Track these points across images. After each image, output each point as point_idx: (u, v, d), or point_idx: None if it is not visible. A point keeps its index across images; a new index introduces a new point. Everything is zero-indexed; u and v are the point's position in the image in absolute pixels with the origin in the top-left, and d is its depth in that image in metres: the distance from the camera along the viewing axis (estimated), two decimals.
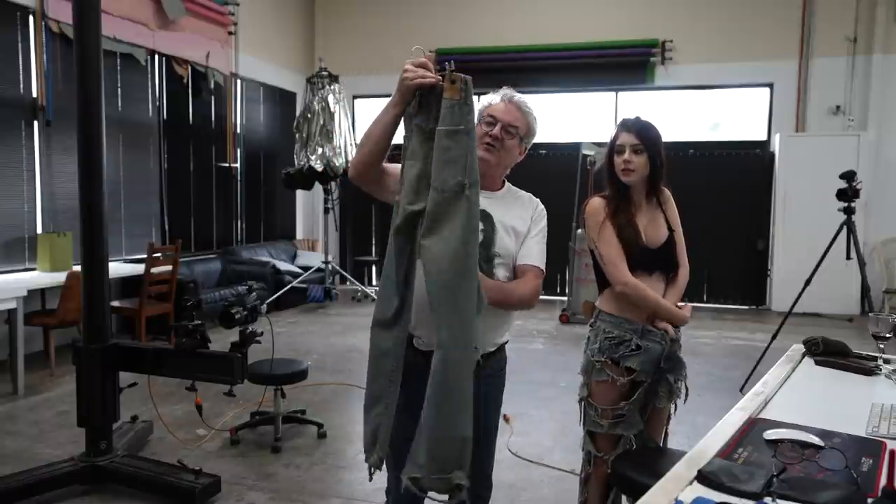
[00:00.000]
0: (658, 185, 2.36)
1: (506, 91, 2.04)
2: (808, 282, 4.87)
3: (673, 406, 2.39)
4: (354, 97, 9.87)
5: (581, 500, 2.49)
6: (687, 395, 2.39)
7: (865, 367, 2.15)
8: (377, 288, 1.88)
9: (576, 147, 7.97)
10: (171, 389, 4.47)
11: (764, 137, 8.75)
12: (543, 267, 2.03)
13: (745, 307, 8.64)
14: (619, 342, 2.28)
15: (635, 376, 2.27)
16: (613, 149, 2.33)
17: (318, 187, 8.55)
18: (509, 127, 1.97)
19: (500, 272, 1.98)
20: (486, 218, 1.95)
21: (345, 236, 9.84)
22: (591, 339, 2.37)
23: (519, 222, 2.03)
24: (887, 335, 2.17)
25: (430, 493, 1.78)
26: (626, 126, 2.32)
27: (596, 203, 2.36)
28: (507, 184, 2.11)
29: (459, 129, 1.64)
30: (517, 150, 2.03)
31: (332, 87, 8.17)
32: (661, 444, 2.44)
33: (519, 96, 2.03)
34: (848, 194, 4.74)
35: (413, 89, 1.71)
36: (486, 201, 1.92)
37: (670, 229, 2.37)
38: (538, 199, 2.12)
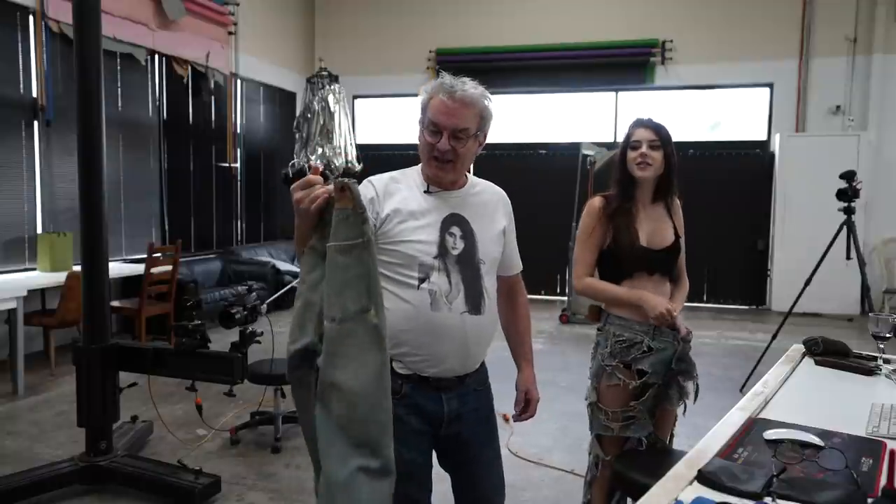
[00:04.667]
0: (669, 187, 2.35)
1: (444, 82, 1.71)
2: (808, 282, 4.87)
3: (683, 407, 2.39)
4: (354, 97, 9.86)
5: (584, 502, 2.48)
6: (697, 395, 2.38)
7: (865, 367, 2.15)
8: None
9: (576, 147, 7.96)
10: (171, 389, 4.47)
11: (764, 137, 8.75)
12: None
13: (745, 307, 8.63)
14: (631, 345, 2.27)
15: (647, 378, 2.26)
16: (628, 145, 2.32)
17: None
18: (459, 132, 1.70)
19: (488, 281, 1.81)
20: (462, 223, 1.78)
21: None
22: (601, 344, 2.35)
23: (495, 221, 1.87)
24: (887, 335, 2.17)
25: None
26: (642, 123, 2.33)
27: (594, 204, 2.36)
28: (468, 175, 1.88)
29: (357, 244, 1.36)
30: (475, 147, 1.77)
31: (332, 87, 8.17)
32: (668, 443, 2.43)
33: (461, 86, 1.69)
34: (848, 194, 4.74)
35: (315, 214, 1.44)
36: (454, 201, 1.79)
37: (677, 235, 2.37)
38: (502, 190, 1.96)
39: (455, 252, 1.75)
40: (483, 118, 1.75)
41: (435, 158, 1.73)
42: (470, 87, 1.71)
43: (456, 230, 1.76)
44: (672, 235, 2.36)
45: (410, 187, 1.79)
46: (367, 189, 1.75)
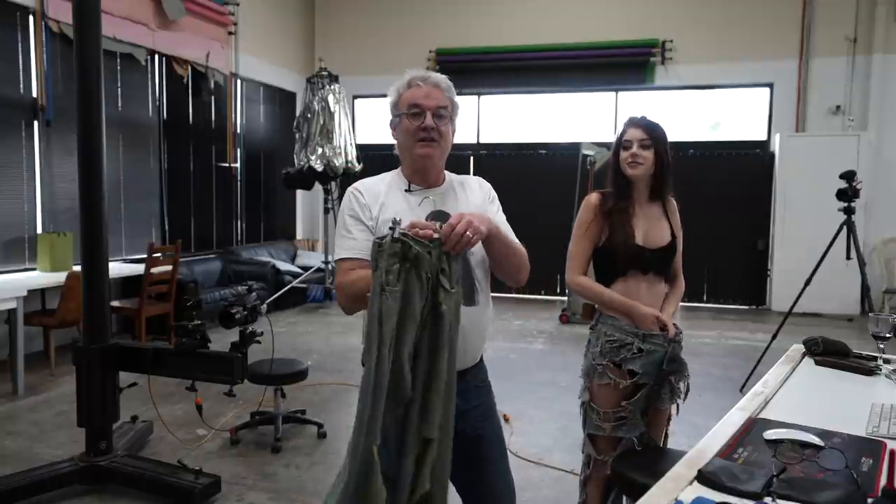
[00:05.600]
0: (664, 186, 2.36)
1: (413, 75, 1.82)
2: (808, 282, 4.87)
3: (675, 407, 2.39)
4: (354, 97, 9.87)
5: (580, 501, 2.49)
6: (687, 394, 2.39)
7: (865, 367, 2.15)
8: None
9: (576, 147, 7.96)
10: (171, 389, 4.47)
11: (764, 137, 8.75)
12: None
13: (745, 307, 8.63)
14: (621, 345, 2.27)
15: (638, 379, 2.26)
16: (620, 144, 2.34)
17: (318, 187, 8.55)
18: (439, 110, 1.78)
19: (479, 272, 1.83)
20: (445, 217, 1.76)
21: None
22: (593, 342, 2.37)
23: (479, 208, 1.86)
24: (887, 335, 2.17)
25: None
26: (634, 122, 2.34)
27: (592, 200, 2.37)
28: (446, 172, 1.92)
29: None
30: (452, 132, 1.85)
31: (332, 87, 8.17)
32: (662, 445, 2.43)
33: (428, 74, 1.82)
34: (848, 194, 4.74)
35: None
36: (435, 198, 1.82)
37: (673, 235, 2.37)
38: (481, 178, 2.00)
39: None
40: (453, 103, 1.84)
41: (422, 140, 1.78)
42: (438, 74, 1.84)
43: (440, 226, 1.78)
44: (668, 235, 2.36)
45: (392, 189, 1.84)
46: (358, 197, 1.82)
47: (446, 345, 1.60)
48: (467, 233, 1.57)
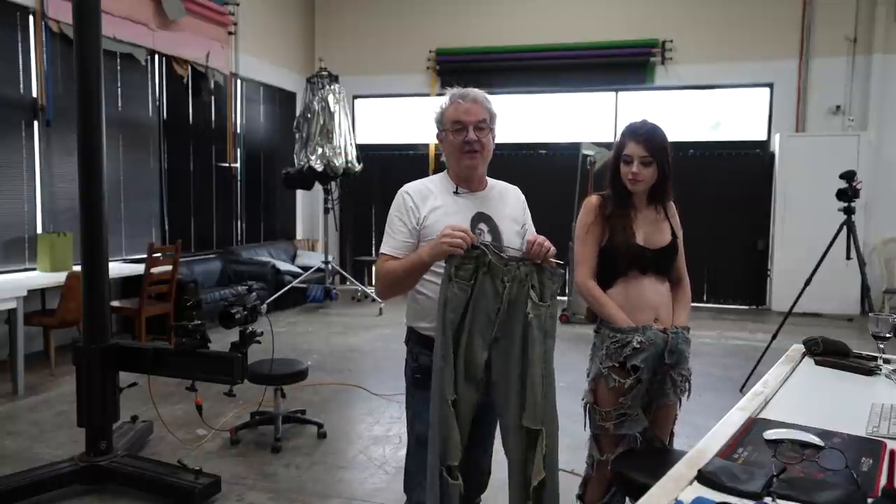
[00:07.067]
0: (664, 194, 2.35)
1: (452, 91, 2.08)
2: (808, 282, 4.88)
3: (679, 403, 2.38)
4: (354, 97, 9.86)
5: (578, 494, 2.49)
6: (690, 389, 2.37)
7: (865, 367, 2.15)
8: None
9: (576, 147, 7.96)
10: (171, 389, 4.47)
11: (764, 137, 8.75)
12: None
13: (745, 307, 8.63)
14: (623, 344, 2.27)
15: (640, 373, 2.25)
16: (620, 157, 2.30)
17: (318, 187, 8.55)
18: (479, 124, 2.02)
19: None
20: (487, 220, 2.05)
21: (345, 236, 9.85)
22: (598, 345, 2.37)
23: (516, 215, 2.15)
24: (887, 335, 2.17)
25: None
26: (635, 135, 2.27)
27: (592, 202, 2.37)
28: (488, 179, 2.17)
29: None
30: (492, 140, 2.08)
31: (332, 87, 8.16)
32: (668, 443, 2.42)
33: (468, 91, 2.06)
34: (848, 194, 4.75)
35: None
36: (479, 201, 2.08)
37: (674, 235, 2.37)
38: (517, 187, 2.26)
39: None
40: (491, 113, 2.06)
41: (467, 152, 2.02)
42: (475, 90, 2.08)
43: (483, 226, 2.04)
44: (669, 236, 2.36)
45: (441, 191, 2.08)
46: (406, 199, 2.06)
47: (535, 350, 2.04)
48: (545, 244, 1.94)
